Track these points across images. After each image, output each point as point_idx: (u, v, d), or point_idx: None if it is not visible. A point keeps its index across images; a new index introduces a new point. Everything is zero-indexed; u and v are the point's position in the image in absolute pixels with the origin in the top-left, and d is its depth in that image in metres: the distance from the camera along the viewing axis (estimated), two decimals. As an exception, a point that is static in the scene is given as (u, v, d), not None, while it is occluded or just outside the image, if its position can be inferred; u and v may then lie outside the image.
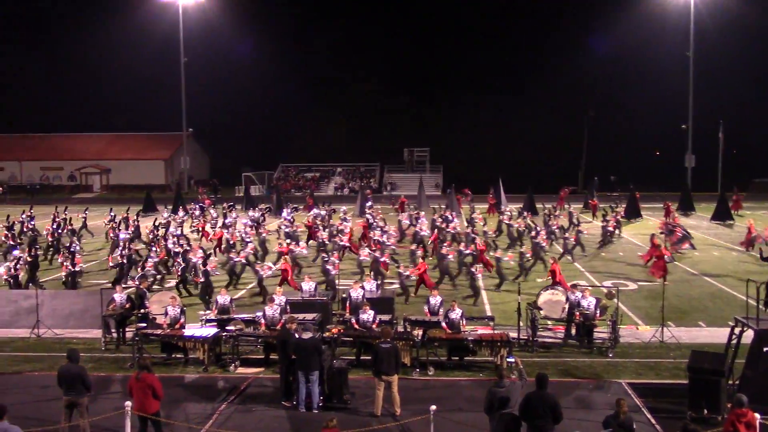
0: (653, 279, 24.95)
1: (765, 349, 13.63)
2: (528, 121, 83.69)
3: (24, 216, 37.18)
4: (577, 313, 17.99)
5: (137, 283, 20.82)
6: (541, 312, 18.79)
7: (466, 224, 34.45)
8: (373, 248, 26.33)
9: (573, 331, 18.46)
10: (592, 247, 32.69)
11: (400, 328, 17.73)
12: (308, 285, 20.38)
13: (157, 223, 34.41)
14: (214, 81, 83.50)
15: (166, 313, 17.66)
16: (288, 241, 28.78)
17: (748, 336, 14.50)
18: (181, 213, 40.51)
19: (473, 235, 29.45)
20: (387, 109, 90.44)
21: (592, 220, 42.72)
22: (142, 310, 18.85)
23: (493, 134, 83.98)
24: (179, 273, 24.84)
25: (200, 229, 36.22)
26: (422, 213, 38.24)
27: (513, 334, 17.64)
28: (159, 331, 17.37)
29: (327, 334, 16.94)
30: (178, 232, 33.17)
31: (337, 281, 22.80)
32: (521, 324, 18.28)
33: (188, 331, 17.20)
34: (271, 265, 25.14)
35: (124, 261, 25.67)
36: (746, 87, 75.13)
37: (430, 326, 17.36)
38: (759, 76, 75.99)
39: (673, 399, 14.46)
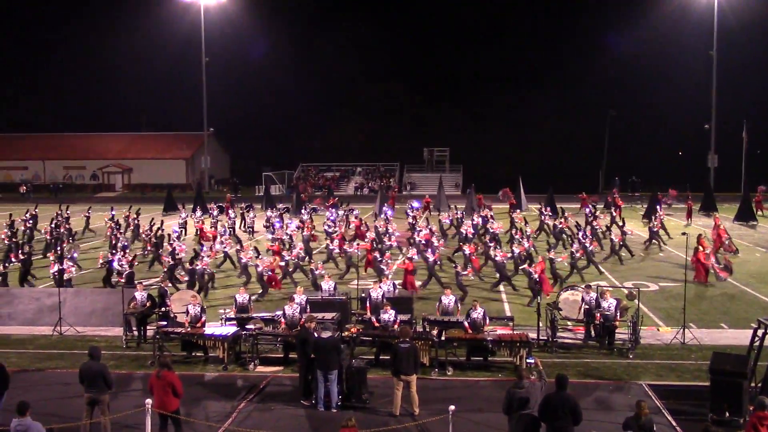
0: (676, 280, 24.59)
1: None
2: (549, 120, 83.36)
3: (27, 215, 37.66)
4: (598, 314, 17.88)
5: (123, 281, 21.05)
6: (561, 312, 18.71)
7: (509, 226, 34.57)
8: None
9: (593, 332, 18.35)
10: (637, 249, 32.32)
11: (419, 328, 17.72)
12: (327, 285, 20.43)
13: (152, 222, 34.41)
14: (235, 81, 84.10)
15: (187, 312, 17.78)
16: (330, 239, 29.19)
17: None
18: (199, 213, 40.68)
19: (517, 237, 29.32)
20: (407, 109, 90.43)
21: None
22: (162, 309, 18.98)
23: (513, 134, 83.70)
24: (166, 269, 25.00)
25: (199, 229, 36.05)
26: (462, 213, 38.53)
27: (532, 335, 17.56)
28: (179, 330, 17.49)
29: (346, 333, 16.96)
30: (224, 231, 33.45)
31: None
32: (541, 324, 18.19)
33: (208, 330, 17.29)
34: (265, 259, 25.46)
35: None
36: (770, 86, 74.31)
37: (449, 326, 17.32)
38: (784, 75, 75.12)
39: (695, 401, 14.32)
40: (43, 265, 28.57)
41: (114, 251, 26.91)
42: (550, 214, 37.61)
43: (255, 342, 17.05)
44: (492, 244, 27.77)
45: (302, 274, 25.86)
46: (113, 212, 37.45)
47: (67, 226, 35.59)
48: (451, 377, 16.06)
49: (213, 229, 34.66)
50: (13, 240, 31.03)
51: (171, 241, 28.73)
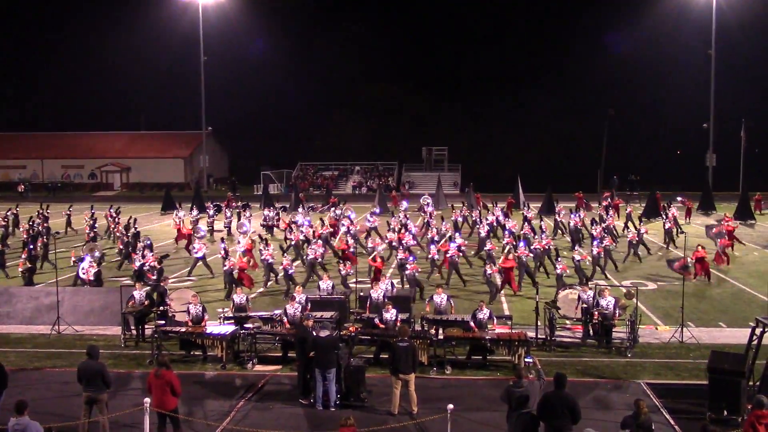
0: (678, 277, 24.40)
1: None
2: (547, 119, 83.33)
3: (9, 213, 37.68)
4: (596, 313, 17.89)
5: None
6: (559, 311, 18.72)
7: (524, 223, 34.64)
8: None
9: (591, 331, 18.36)
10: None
11: (418, 327, 17.74)
12: (326, 284, 20.43)
13: (129, 222, 34.43)
14: (234, 80, 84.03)
15: (188, 311, 17.78)
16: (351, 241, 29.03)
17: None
18: (195, 212, 40.66)
19: (530, 234, 29.58)
20: (405, 108, 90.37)
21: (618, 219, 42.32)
22: (161, 308, 18.96)
23: (511, 133, 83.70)
24: (136, 267, 24.95)
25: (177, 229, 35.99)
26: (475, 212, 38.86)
27: (531, 334, 17.55)
28: (178, 329, 17.49)
29: (344, 332, 16.97)
30: (201, 231, 33.48)
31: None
32: (539, 323, 18.20)
33: (207, 329, 17.30)
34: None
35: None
36: (769, 85, 74.41)
37: (448, 325, 17.33)
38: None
39: (693, 400, 14.33)
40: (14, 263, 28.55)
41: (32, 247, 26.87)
42: (566, 212, 37.67)
43: (253, 341, 17.05)
44: (509, 241, 28.44)
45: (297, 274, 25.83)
46: (93, 211, 37.60)
47: (45, 225, 35.22)
48: (449, 376, 16.06)
49: (189, 227, 34.59)
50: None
51: (141, 241, 28.98)
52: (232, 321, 18.02)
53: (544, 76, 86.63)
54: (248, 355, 16.98)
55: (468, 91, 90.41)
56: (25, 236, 32.63)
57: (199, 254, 26.96)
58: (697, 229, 37.68)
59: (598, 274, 25.93)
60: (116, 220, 36.32)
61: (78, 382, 12.81)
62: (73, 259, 25.40)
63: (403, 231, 30.39)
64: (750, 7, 65.23)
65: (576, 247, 25.77)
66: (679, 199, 43.11)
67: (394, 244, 28.80)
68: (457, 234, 28.78)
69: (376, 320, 17.35)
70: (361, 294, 20.25)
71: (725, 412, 13.25)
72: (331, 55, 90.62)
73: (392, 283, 20.78)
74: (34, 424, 10.60)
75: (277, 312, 17.99)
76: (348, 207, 40.30)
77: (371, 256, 25.38)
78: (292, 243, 29.77)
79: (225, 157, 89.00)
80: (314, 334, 14.47)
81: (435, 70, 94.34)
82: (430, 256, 27.59)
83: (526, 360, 15.81)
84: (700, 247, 25.80)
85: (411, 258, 23.81)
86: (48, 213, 38.04)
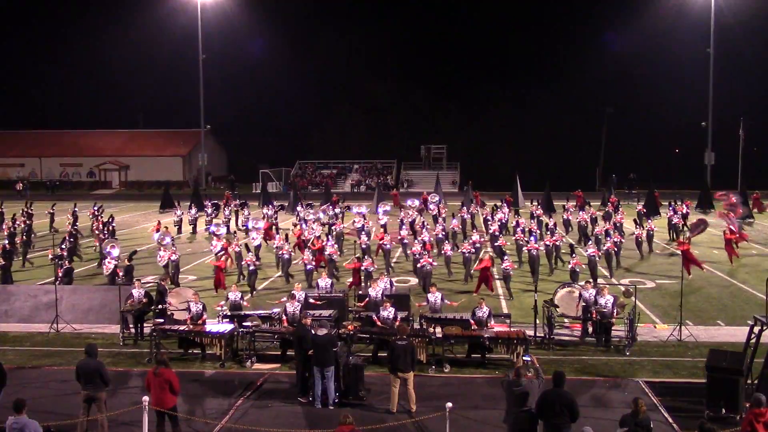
0: (677, 276, 24.39)
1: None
2: (546, 117, 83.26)
3: None
4: (594, 311, 17.91)
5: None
6: (558, 309, 18.73)
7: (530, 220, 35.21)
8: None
9: (590, 329, 18.38)
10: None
11: (416, 325, 17.75)
12: (324, 282, 20.44)
13: (109, 219, 34.93)
14: (232, 78, 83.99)
15: (189, 310, 17.78)
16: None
17: (768, 335, 14.41)
18: (193, 210, 40.62)
19: (537, 231, 30.10)
20: (404, 106, 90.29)
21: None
22: (160, 306, 18.96)
23: (510, 131, 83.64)
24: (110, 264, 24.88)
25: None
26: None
27: (529, 332, 17.56)
28: (176, 327, 17.49)
29: (342, 330, 16.97)
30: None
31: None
32: (538, 322, 18.21)
33: (205, 327, 17.29)
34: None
35: (65, 253, 26.07)
36: (767, 84, 74.30)
37: (446, 323, 17.34)
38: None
39: (691, 398, 14.35)
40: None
41: (63, 247, 26.79)
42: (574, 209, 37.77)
43: (252, 339, 17.06)
44: (522, 237, 29.05)
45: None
46: (75, 209, 37.51)
47: (27, 222, 34.91)
48: (448, 374, 16.08)
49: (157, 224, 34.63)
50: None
51: (108, 238, 29.22)
52: (231, 319, 18.02)
53: (542, 74, 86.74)
54: (247, 353, 16.99)
55: (467, 89, 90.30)
56: (5, 234, 32.67)
57: (163, 263, 26.21)
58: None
59: (607, 271, 26.19)
60: (98, 218, 36.28)
61: (76, 381, 12.81)
62: (50, 256, 25.31)
63: (419, 225, 31.24)
64: (748, 6, 65.23)
65: (590, 242, 26.12)
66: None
67: (405, 241, 29.72)
68: (473, 230, 29.67)
69: (374, 317, 17.39)
70: (360, 293, 20.27)
71: (723, 411, 13.27)
72: (329, 53, 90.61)
73: (391, 282, 20.81)
74: (33, 423, 10.60)
75: (276, 310, 17.99)
76: (360, 204, 40.24)
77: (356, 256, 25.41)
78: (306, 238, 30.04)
79: (223, 155, 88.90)
80: (312, 332, 14.48)
81: (433, 68, 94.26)
82: (443, 252, 27.71)
83: (524, 359, 15.82)
84: (683, 238, 26.14)
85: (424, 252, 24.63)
86: (32, 211, 37.85)
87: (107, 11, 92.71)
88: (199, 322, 17.46)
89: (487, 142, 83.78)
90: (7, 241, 27.51)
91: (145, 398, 12.28)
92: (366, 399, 14.43)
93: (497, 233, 31.01)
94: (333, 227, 33.08)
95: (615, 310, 17.87)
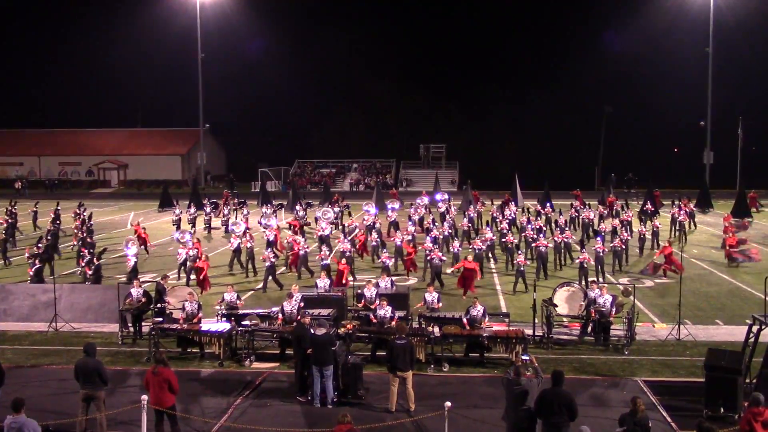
0: (674, 276, 24.46)
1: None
2: (545, 117, 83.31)
3: None
4: (593, 310, 17.91)
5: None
6: (557, 308, 18.73)
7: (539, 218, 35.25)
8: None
9: (588, 329, 18.38)
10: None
11: (415, 324, 17.75)
12: (323, 282, 20.42)
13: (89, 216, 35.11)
14: (231, 77, 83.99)
15: (183, 309, 17.77)
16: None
17: (766, 334, 14.41)
18: (192, 209, 40.59)
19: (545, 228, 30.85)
20: (403, 105, 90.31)
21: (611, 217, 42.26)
22: (158, 305, 18.95)
23: (509, 130, 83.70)
24: (83, 263, 24.99)
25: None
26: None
27: (528, 331, 17.56)
28: (175, 326, 17.48)
29: (342, 330, 16.97)
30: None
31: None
32: (536, 321, 18.21)
33: (204, 326, 17.29)
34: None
35: (41, 251, 25.99)
36: (766, 83, 74.32)
37: (445, 322, 17.34)
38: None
39: (689, 397, 14.35)
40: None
41: (39, 245, 26.84)
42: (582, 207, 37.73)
43: (251, 338, 17.05)
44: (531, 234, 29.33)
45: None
46: (58, 207, 37.51)
47: (9, 220, 34.87)
48: (447, 373, 16.08)
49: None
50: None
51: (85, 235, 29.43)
52: (230, 318, 18.01)
53: (541, 74, 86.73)
54: (246, 352, 16.97)
55: (466, 88, 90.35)
56: None
57: (180, 259, 26.21)
58: (700, 227, 37.81)
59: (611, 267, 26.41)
60: (81, 216, 36.22)
61: (75, 380, 12.81)
62: (27, 254, 25.24)
63: (428, 222, 31.90)
64: (747, 5, 65.27)
65: (598, 238, 26.27)
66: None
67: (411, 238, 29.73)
68: (486, 228, 30.15)
69: (370, 315, 17.38)
70: (359, 292, 20.25)
71: (722, 410, 13.28)
72: (328, 52, 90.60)
73: (392, 281, 20.81)
74: (31, 422, 10.58)
75: (275, 309, 17.98)
76: (369, 203, 40.21)
77: (333, 254, 25.92)
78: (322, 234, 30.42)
79: (222, 154, 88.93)
80: (311, 331, 14.48)
81: (433, 67, 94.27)
82: (451, 249, 28.02)
83: (522, 358, 15.81)
84: (666, 242, 26.42)
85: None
86: (15, 209, 37.71)
87: (106, 10, 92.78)
88: (194, 321, 17.45)
89: (487, 141, 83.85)
90: None
91: (144, 397, 12.27)
92: (365, 398, 14.43)
93: (506, 230, 31.00)
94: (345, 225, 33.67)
95: (614, 309, 17.88)
